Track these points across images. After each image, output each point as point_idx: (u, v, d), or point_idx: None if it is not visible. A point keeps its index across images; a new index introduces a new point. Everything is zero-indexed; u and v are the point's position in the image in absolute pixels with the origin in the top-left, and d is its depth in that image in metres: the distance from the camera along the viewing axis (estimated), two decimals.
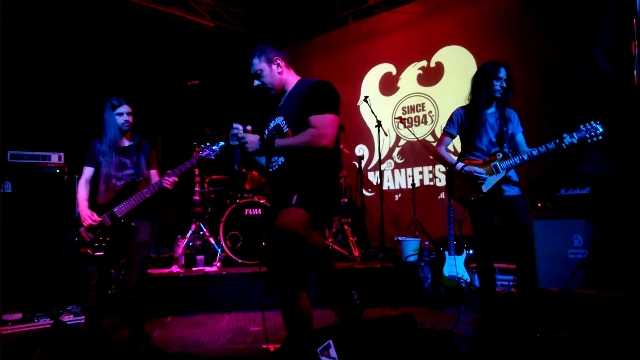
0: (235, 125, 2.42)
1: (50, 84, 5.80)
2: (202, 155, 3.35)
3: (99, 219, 3.36)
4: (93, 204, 3.46)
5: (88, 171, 3.52)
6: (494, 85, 3.41)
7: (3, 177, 4.34)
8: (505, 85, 3.40)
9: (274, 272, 2.49)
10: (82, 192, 3.48)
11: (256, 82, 2.64)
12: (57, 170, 4.56)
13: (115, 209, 3.36)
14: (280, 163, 2.54)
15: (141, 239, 3.44)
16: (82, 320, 4.08)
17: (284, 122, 2.56)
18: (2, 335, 3.95)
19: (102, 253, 3.36)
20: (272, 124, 2.66)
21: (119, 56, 6.62)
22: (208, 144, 3.41)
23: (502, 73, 3.40)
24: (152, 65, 6.96)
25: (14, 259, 4.24)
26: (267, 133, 2.68)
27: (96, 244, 3.37)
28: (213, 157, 3.41)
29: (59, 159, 4.60)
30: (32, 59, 5.66)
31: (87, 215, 3.36)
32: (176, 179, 3.41)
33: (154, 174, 3.61)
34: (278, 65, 2.61)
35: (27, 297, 4.26)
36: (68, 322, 4.10)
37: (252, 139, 2.40)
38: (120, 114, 3.48)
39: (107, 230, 3.38)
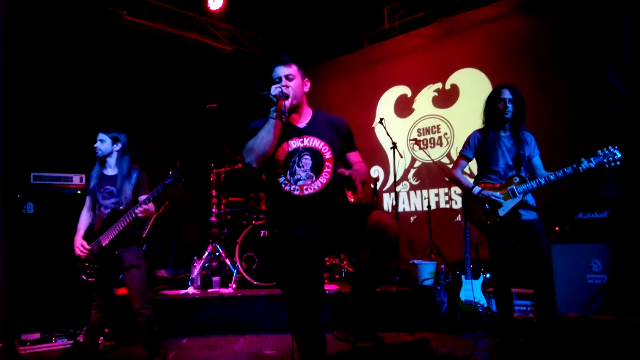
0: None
1: (73, 106, 5.94)
2: (167, 182, 3.44)
3: (89, 247, 3.53)
4: (90, 232, 3.62)
5: (87, 200, 3.71)
6: (498, 107, 3.46)
7: (26, 198, 4.45)
8: (510, 105, 3.42)
9: (301, 293, 2.45)
10: (81, 221, 3.68)
11: (285, 83, 2.51)
12: (79, 192, 4.65)
13: (101, 238, 3.51)
14: (318, 186, 2.49)
15: (129, 263, 3.54)
16: (99, 341, 4.12)
17: (326, 147, 2.54)
18: (21, 355, 4.00)
19: (93, 280, 3.53)
20: (298, 143, 2.55)
21: (141, 79, 6.79)
22: (175, 170, 3.47)
23: (506, 94, 3.44)
24: (173, 88, 7.13)
25: (34, 278, 4.32)
26: (292, 149, 2.53)
27: (87, 271, 3.53)
28: (178, 185, 3.50)
29: (81, 180, 4.69)
30: (54, 82, 5.82)
31: (77, 246, 3.55)
32: (147, 207, 3.44)
33: (143, 200, 3.63)
34: (306, 85, 2.65)
35: (45, 317, 4.31)
36: None
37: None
38: (95, 142, 3.66)
39: (96, 257, 3.52)
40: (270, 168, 2.56)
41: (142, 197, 3.66)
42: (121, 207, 3.55)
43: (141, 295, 3.52)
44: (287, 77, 2.54)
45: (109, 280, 3.63)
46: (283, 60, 2.57)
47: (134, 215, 3.44)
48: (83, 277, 3.51)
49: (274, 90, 2.45)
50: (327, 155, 2.54)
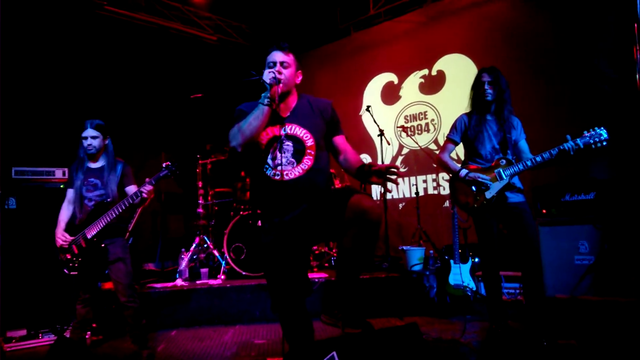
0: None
1: (54, 99, 5.84)
2: (161, 175, 3.39)
3: (71, 239, 3.45)
4: (72, 225, 3.54)
5: (69, 193, 3.63)
6: (479, 90, 3.48)
7: (7, 194, 4.36)
8: (490, 88, 3.43)
9: (284, 280, 2.42)
10: (62, 213, 3.59)
11: (278, 69, 2.48)
12: (62, 186, 4.57)
13: (86, 230, 3.44)
14: (298, 172, 2.49)
15: (115, 256, 3.48)
16: (87, 336, 4.08)
17: (307, 135, 2.53)
18: (6, 352, 3.94)
19: (76, 273, 3.46)
20: (280, 131, 2.53)
21: (124, 71, 6.68)
22: (170, 163, 3.43)
23: (486, 77, 3.46)
24: (157, 79, 7.02)
25: (19, 275, 4.25)
26: (274, 136, 2.53)
27: (70, 264, 3.46)
28: (172, 177, 3.44)
29: (63, 174, 4.60)
30: (37, 75, 5.71)
31: (59, 237, 3.47)
32: (151, 188, 3.37)
33: (131, 190, 3.57)
34: (298, 77, 2.64)
35: (31, 313, 4.25)
36: None
37: None
38: (85, 138, 3.54)
39: (81, 250, 3.45)
40: (253, 153, 2.55)
41: (130, 188, 3.59)
42: (108, 200, 3.49)
43: (127, 288, 3.48)
44: (282, 63, 2.52)
45: (94, 274, 3.57)
46: (282, 47, 2.55)
47: (126, 204, 3.37)
48: (65, 270, 3.44)
49: (267, 75, 2.42)
50: (309, 142, 2.53)
